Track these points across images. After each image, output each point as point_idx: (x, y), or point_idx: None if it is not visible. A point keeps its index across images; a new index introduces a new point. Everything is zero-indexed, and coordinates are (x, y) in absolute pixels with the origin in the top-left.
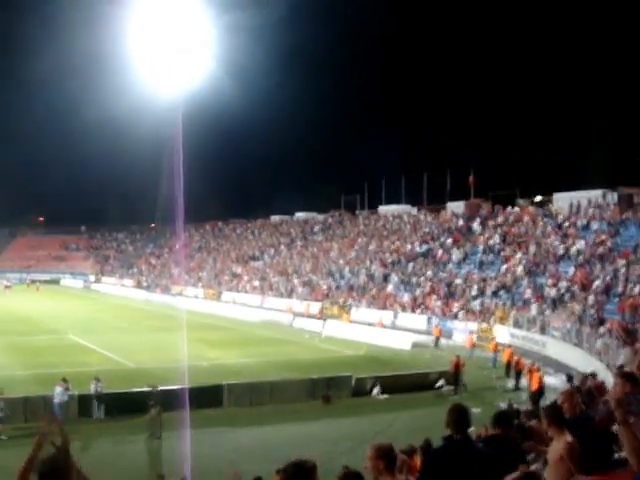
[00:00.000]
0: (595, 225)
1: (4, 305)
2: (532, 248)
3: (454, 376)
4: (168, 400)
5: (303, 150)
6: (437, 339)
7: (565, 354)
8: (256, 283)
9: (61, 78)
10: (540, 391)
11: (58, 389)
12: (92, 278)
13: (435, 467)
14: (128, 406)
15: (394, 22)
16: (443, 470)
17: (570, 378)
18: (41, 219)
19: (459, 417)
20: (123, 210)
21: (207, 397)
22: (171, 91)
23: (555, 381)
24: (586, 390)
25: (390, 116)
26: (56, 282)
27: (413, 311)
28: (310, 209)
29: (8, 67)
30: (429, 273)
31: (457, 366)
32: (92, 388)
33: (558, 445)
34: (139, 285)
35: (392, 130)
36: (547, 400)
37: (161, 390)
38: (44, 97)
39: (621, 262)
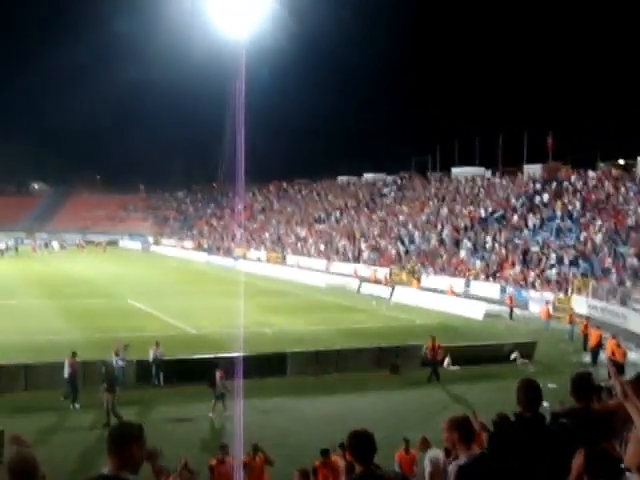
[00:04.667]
0: None
1: (64, 268)
2: (613, 215)
3: (431, 363)
4: (229, 367)
5: (373, 107)
6: (511, 309)
7: None
8: (321, 247)
9: (118, 28)
10: (621, 366)
11: (115, 356)
12: (151, 240)
13: (502, 446)
14: (188, 373)
15: None
16: (511, 449)
17: None
18: (98, 177)
19: (529, 393)
20: (183, 169)
21: (270, 365)
22: (234, 42)
23: (636, 356)
24: None
25: (465, 75)
26: (114, 244)
27: (486, 279)
28: (379, 170)
29: (67, 17)
30: (503, 239)
31: (434, 350)
32: (151, 354)
33: None
34: (199, 247)
35: (466, 89)
36: (627, 376)
37: (222, 357)
38: (99, 50)
39: None
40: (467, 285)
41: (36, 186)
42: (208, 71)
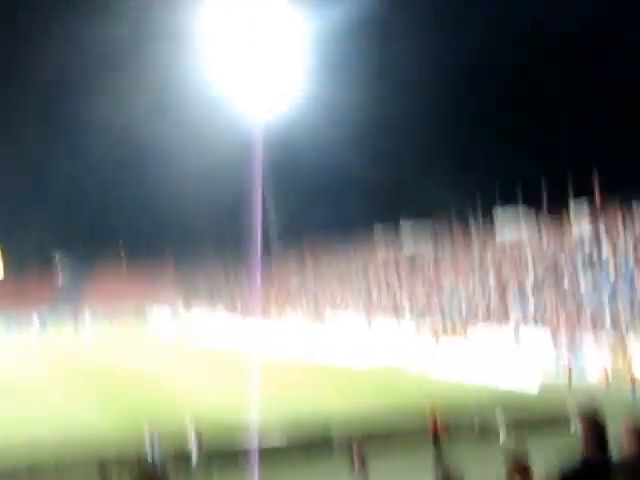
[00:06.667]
0: None
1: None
2: None
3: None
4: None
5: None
6: (569, 376)
7: None
8: (361, 315)
9: (136, 99)
10: None
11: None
12: (181, 308)
13: None
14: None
15: None
16: None
17: None
18: (122, 246)
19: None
20: (213, 235)
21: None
22: (257, 112)
23: None
24: None
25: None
26: (141, 317)
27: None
28: (417, 216)
29: (86, 81)
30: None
31: (435, 427)
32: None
33: None
34: (232, 314)
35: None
36: None
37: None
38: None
39: None
40: (516, 337)
41: (59, 260)
42: (231, 141)
